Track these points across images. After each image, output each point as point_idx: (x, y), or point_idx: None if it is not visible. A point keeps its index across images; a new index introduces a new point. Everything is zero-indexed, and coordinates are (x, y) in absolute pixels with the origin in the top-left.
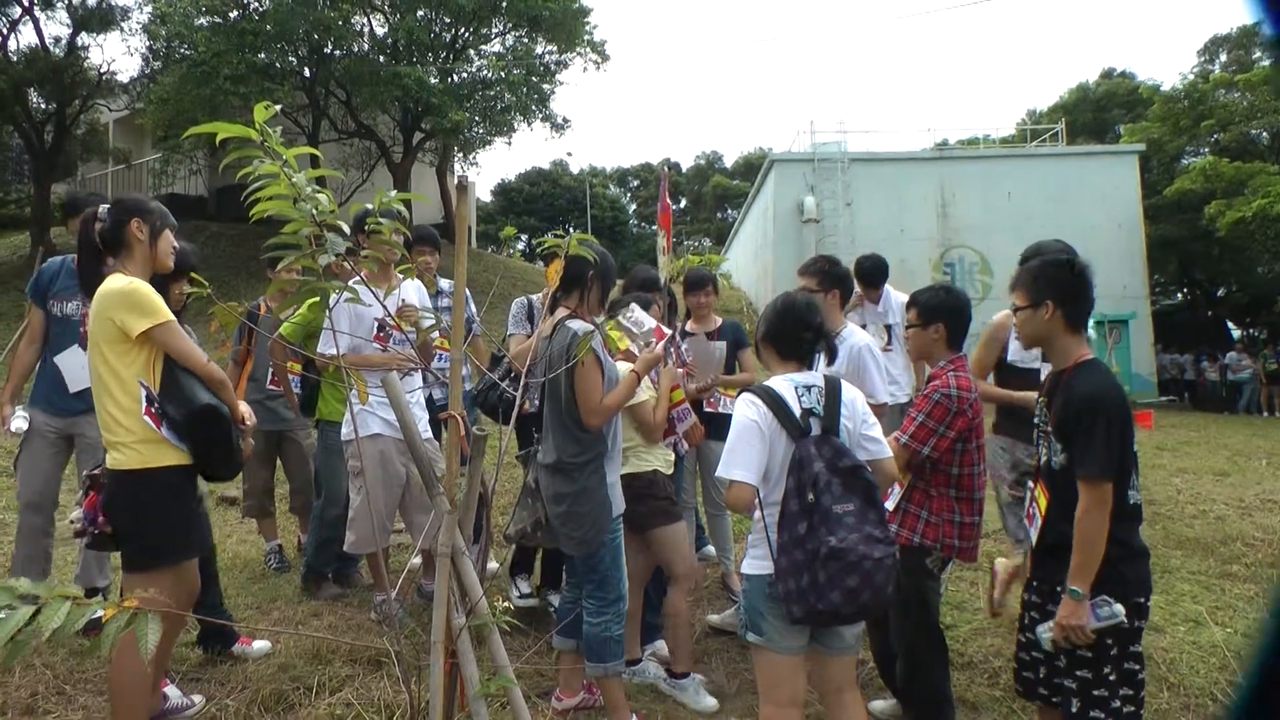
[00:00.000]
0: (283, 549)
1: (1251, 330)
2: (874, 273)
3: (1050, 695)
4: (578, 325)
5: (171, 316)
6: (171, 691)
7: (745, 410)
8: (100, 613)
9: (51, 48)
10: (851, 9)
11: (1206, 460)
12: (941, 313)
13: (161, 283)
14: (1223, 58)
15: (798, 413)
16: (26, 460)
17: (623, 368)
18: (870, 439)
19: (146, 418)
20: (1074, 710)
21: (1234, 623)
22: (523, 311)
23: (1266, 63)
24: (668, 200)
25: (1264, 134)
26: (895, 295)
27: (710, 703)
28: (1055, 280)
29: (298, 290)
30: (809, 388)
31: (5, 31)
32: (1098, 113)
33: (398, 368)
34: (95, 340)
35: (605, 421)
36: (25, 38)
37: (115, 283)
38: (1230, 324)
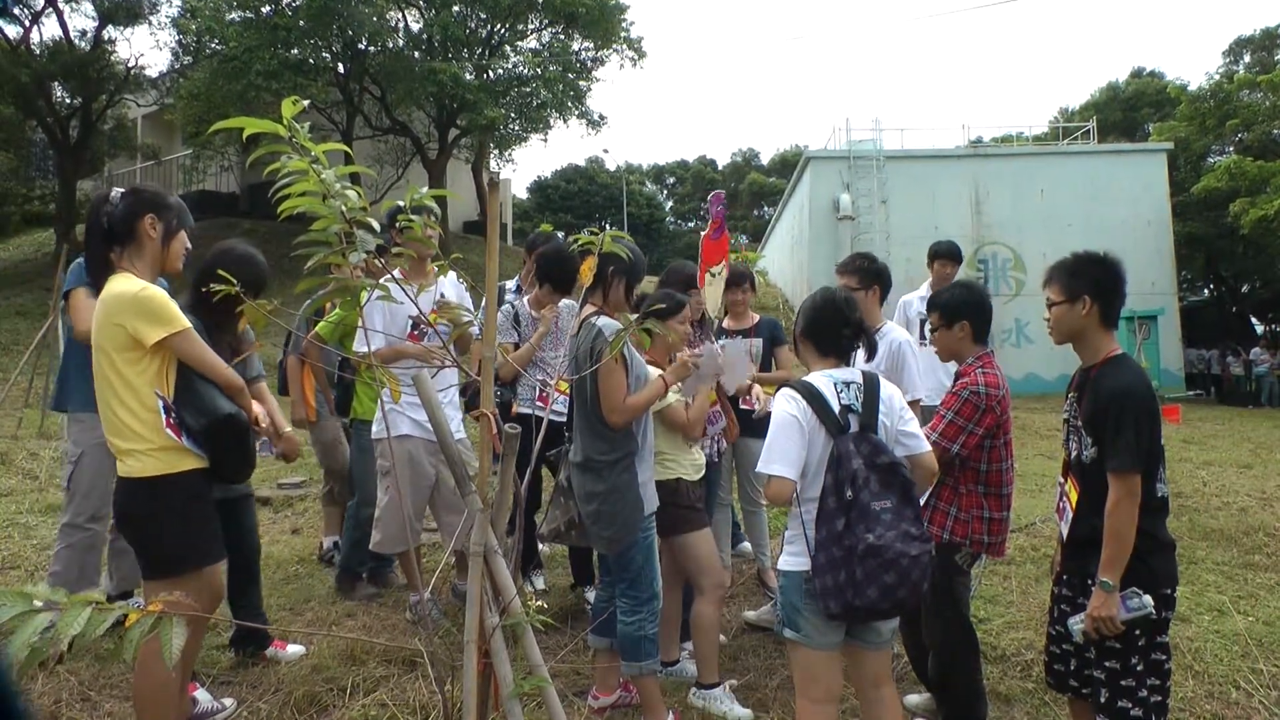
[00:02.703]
0: (338, 545)
1: (1275, 326)
2: (954, 250)
3: (1081, 686)
4: (603, 323)
5: (188, 324)
6: (201, 695)
7: (785, 405)
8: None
9: (76, 41)
10: (886, 6)
11: (1231, 453)
12: (964, 310)
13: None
14: (1246, 59)
15: (836, 409)
16: (93, 472)
17: (653, 371)
18: (908, 434)
19: (169, 430)
20: (1103, 700)
21: (1256, 611)
22: (507, 320)
23: None
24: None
25: None
26: None
27: (743, 713)
28: (1092, 275)
29: (330, 288)
30: (848, 384)
31: (28, 23)
32: (1127, 111)
33: (432, 362)
34: (102, 346)
35: (628, 420)
36: (49, 30)
37: (125, 285)
38: (1255, 320)
